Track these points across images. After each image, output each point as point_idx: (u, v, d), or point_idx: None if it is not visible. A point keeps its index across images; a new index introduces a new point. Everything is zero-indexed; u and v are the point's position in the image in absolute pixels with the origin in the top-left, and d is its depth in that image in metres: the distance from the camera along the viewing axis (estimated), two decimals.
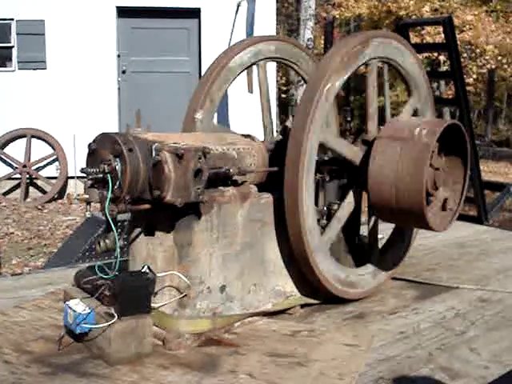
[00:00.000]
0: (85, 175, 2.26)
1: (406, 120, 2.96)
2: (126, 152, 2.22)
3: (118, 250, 2.30)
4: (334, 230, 2.89)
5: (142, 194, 2.29)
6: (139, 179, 2.25)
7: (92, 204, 2.39)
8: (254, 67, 3.33)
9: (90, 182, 2.26)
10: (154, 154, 2.26)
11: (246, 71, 3.34)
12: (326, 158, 2.91)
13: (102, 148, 2.29)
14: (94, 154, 2.32)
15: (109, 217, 2.21)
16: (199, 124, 3.10)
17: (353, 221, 3.04)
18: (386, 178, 2.73)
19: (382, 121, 3.06)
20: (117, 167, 2.22)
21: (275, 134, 3.30)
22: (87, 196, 2.28)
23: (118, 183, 2.21)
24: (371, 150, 2.79)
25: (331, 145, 2.82)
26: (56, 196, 9.69)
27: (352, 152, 2.93)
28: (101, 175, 2.22)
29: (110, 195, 2.20)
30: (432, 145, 2.66)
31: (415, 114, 3.25)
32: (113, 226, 2.24)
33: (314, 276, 2.76)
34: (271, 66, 9.73)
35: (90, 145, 2.33)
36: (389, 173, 2.72)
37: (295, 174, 2.58)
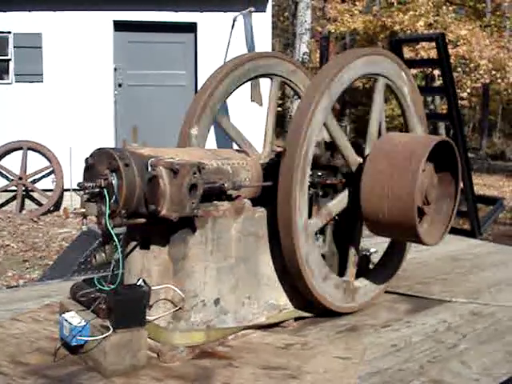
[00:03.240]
0: (81, 189, 2.29)
1: (398, 135, 3.01)
2: (123, 167, 2.25)
3: (116, 263, 2.32)
4: (322, 218, 2.90)
5: (137, 208, 2.32)
6: (135, 194, 2.28)
7: (88, 217, 2.42)
8: (262, 81, 3.36)
9: (86, 196, 2.29)
10: (149, 169, 2.30)
11: (250, 84, 3.38)
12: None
13: (98, 163, 2.32)
14: (90, 169, 2.35)
15: (111, 231, 2.23)
16: (194, 139, 3.13)
17: (351, 234, 3.07)
18: (377, 193, 2.77)
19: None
20: (113, 182, 2.25)
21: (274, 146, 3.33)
22: (84, 210, 2.32)
23: (114, 198, 2.24)
24: (364, 165, 2.84)
25: (333, 131, 2.84)
26: (52, 208, 9.71)
27: (352, 156, 2.97)
28: (97, 190, 2.25)
29: (108, 210, 2.23)
30: (423, 161, 2.71)
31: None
32: (116, 239, 2.26)
33: (306, 289, 2.80)
34: (267, 80, 9.78)
35: (86, 160, 2.36)
36: (381, 187, 2.76)
37: (289, 189, 2.62)
